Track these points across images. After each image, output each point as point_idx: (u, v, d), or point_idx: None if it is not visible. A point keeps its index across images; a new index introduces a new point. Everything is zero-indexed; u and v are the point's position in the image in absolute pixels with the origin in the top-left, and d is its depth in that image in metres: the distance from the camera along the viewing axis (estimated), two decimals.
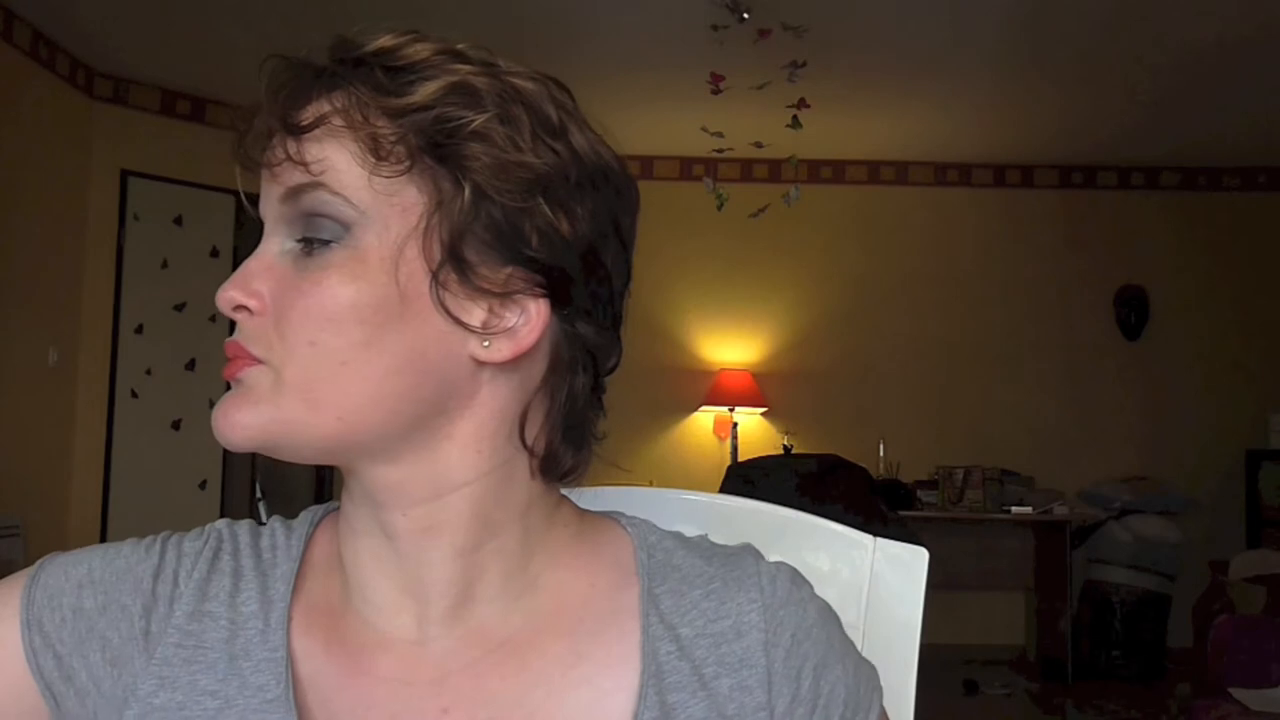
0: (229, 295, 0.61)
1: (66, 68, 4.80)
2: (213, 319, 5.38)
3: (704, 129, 4.40)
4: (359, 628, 0.65)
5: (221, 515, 5.47)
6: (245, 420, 0.60)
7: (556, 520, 0.67)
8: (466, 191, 0.59)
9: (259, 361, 0.61)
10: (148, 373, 5.15)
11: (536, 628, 0.64)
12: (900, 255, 6.22)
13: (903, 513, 4.84)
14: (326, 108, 0.60)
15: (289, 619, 0.65)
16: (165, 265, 5.23)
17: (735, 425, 5.91)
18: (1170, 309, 6.13)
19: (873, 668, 0.67)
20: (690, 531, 0.73)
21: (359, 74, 0.61)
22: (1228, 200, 6.23)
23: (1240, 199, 6.23)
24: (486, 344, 0.61)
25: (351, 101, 0.60)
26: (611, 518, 0.70)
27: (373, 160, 0.59)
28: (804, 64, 4.03)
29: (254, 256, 0.62)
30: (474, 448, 0.63)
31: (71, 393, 4.95)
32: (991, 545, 5.62)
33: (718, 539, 0.75)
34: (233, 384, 0.62)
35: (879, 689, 0.67)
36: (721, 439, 6.00)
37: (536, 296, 0.62)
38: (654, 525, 0.70)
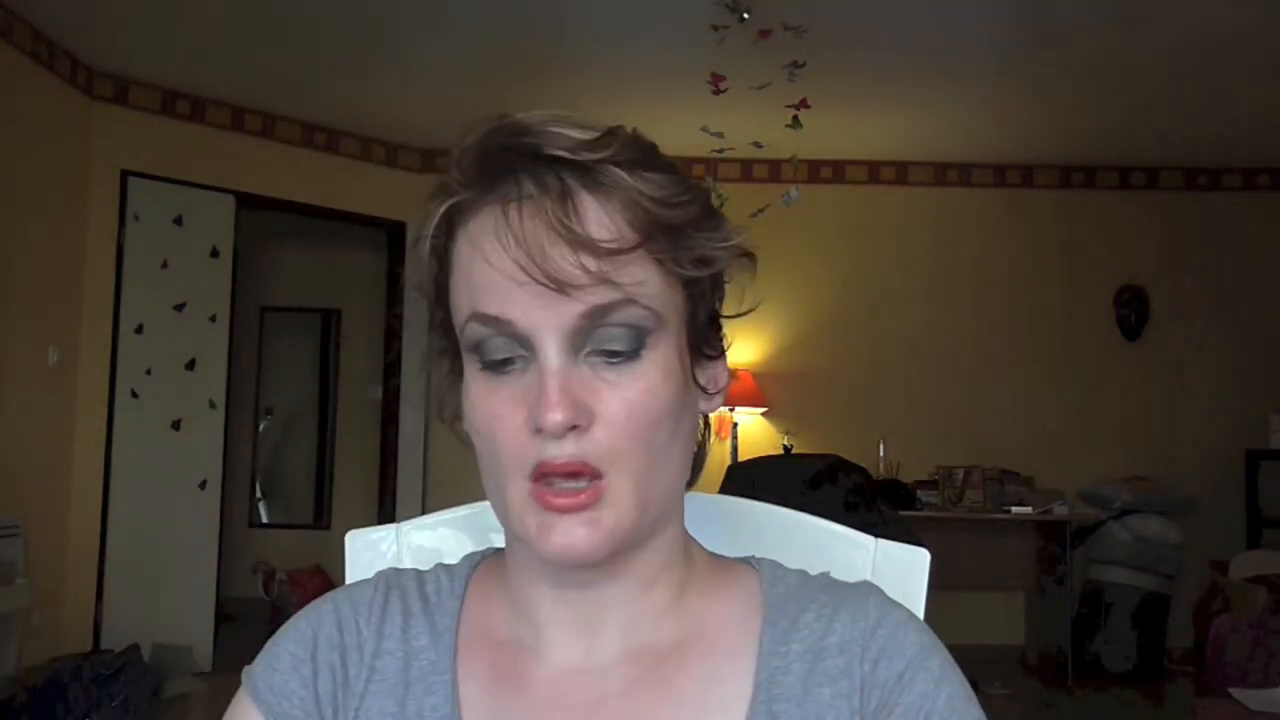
0: (558, 420, 0.61)
1: (66, 68, 4.80)
2: (213, 319, 5.38)
3: (704, 129, 4.39)
4: (523, 657, 0.70)
5: (221, 515, 5.44)
6: (595, 538, 0.63)
7: (694, 550, 0.74)
8: (708, 277, 0.69)
9: (599, 476, 0.63)
10: (148, 373, 5.15)
11: (684, 651, 0.69)
12: (900, 255, 6.22)
13: (903, 513, 4.84)
14: (618, 221, 0.64)
15: (455, 649, 0.71)
16: (165, 265, 5.23)
17: (735, 425, 5.91)
18: (1170, 309, 6.12)
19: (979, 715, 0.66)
20: (691, 532, 0.74)
21: (621, 174, 0.64)
22: (1228, 200, 6.22)
23: (1240, 199, 6.22)
24: (711, 400, 0.72)
25: (640, 213, 0.64)
26: (743, 560, 0.76)
27: (670, 274, 0.66)
28: (804, 64, 4.02)
29: (553, 373, 0.63)
30: (679, 492, 0.70)
31: (71, 393, 4.94)
32: (991, 545, 5.62)
33: (717, 539, 0.77)
34: (568, 506, 0.64)
35: None
36: (721, 439, 6.00)
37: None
38: (781, 564, 0.75)
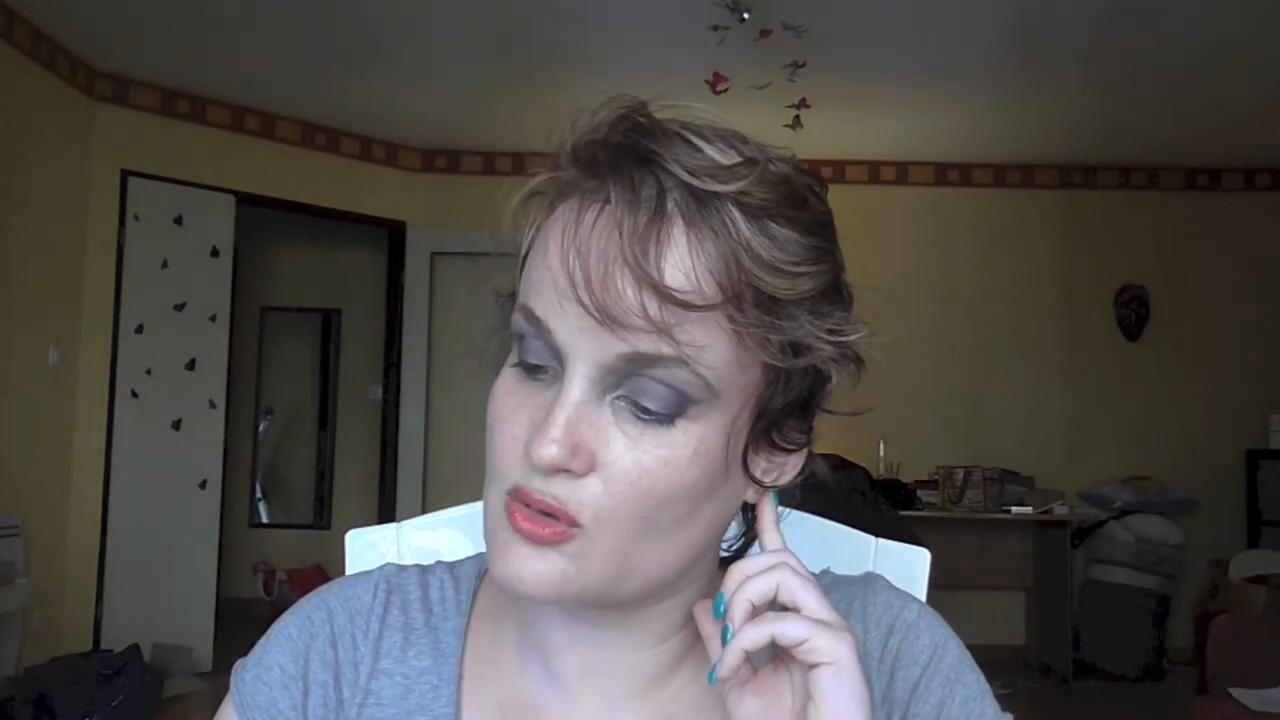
0: (552, 455, 0.54)
1: (66, 68, 4.80)
2: (213, 319, 5.38)
3: None
4: (535, 693, 0.65)
5: (222, 515, 5.41)
6: (548, 579, 0.56)
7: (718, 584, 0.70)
8: (804, 367, 0.59)
9: (576, 524, 0.56)
10: (148, 373, 5.14)
11: (711, 700, 0.63)
12: (900, 255, 6.22)
13: (903, 513, 4.84)
14: (703, 270, 0.54)
15: (460, 676, 0.65)
16: (165, 265, 5.22)
17: None
18: (1170, 309, 6.12)
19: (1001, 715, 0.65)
20: None
21: (737, 218, 0.55)
22: (1228, 200, 6.22)
23: (1240, 199, 6.22)
24: (764, 487, 0.62)
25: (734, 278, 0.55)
26: None
27: (748, 349, 0.57)
28: (804, 64, 4.03)
29: (568, 404, 0.55)
30: (709, 556, 0.64)
31: (71, 393, 4.94)
32: (991, 545, 5.62)
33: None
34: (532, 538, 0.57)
35: None
36: None
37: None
38: None
